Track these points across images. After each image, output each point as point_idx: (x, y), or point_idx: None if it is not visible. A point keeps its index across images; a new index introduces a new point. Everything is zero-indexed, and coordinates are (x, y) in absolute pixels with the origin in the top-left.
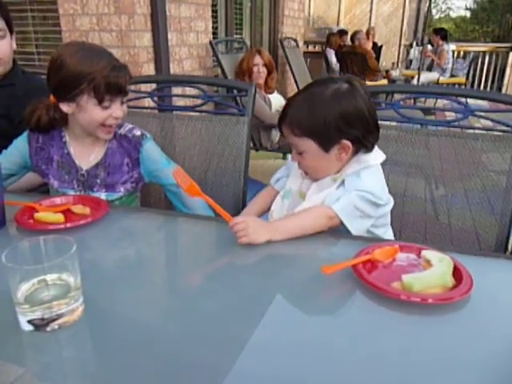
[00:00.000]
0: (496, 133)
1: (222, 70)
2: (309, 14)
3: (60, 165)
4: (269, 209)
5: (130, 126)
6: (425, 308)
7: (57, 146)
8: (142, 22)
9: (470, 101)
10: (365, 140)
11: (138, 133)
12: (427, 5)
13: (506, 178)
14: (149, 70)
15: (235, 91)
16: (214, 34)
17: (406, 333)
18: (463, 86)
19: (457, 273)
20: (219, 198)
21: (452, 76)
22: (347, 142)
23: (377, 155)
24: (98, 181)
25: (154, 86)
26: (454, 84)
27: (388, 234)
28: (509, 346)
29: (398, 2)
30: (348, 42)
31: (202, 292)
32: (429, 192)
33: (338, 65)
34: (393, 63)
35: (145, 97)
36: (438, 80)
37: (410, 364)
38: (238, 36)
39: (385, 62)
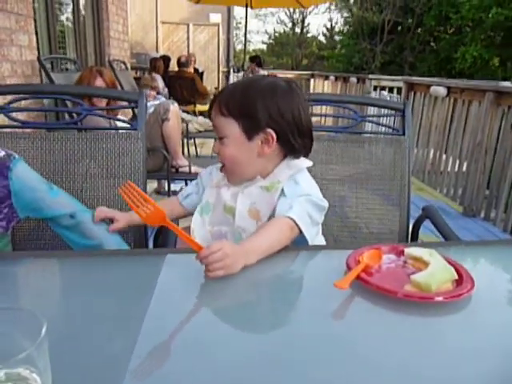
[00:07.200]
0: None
1: None
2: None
3: None
4: None
5: None
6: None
7: None
8: None
9: None
10: (295, 141)
11: (0, 153)
12: (234, 38)
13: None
14: None
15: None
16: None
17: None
18: None
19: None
20: None
21: None
22: (271, 131)
23: (305, 160)
24: None
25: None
26: None
27: (322, 241)
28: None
29: (212, 31)
30: (172, 67)
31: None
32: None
33: (167, 89)
34: (215, 88)
35: None
36: None
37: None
38: (61, 54)
39: (208, 86)
